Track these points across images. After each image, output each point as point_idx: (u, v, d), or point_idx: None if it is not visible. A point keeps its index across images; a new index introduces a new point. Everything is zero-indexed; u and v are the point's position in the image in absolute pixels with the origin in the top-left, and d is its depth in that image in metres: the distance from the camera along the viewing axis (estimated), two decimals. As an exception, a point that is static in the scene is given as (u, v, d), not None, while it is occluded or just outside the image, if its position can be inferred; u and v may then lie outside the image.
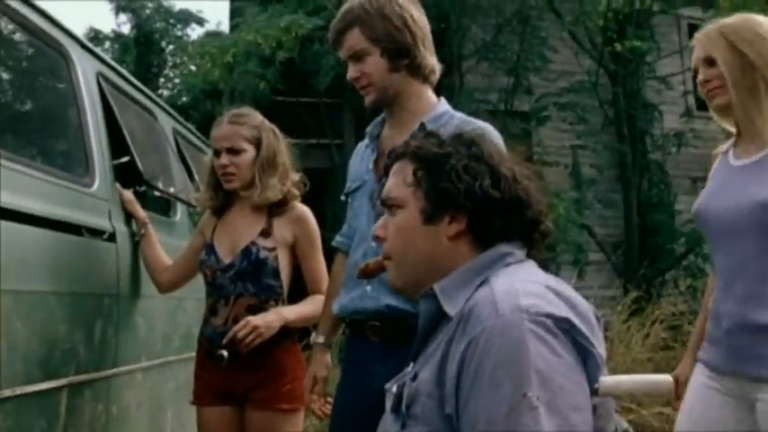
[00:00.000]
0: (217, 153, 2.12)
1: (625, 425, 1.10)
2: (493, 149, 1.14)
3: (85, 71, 2.09)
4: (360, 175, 1.77)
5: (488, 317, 0.96)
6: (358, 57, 1.67)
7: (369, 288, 1.62)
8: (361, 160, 1.80)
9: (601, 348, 1.01)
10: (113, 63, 2.38)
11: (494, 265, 1.08)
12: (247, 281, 2.06)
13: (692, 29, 10.41)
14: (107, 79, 2.25)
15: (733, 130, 1.69)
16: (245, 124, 2.14)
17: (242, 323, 1.99)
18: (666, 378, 1.08)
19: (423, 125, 1.59)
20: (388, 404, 1.07)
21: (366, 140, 1.81)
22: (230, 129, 2.12)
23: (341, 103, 9.07)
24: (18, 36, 1.90)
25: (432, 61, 1.71)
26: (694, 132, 9.40)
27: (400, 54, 1.65)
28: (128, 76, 2.51)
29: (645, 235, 9.23)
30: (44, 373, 1.64)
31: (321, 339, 1.84)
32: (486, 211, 1.08)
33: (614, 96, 9.32)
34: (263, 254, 2.07)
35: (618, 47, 8.35)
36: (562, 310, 0.98)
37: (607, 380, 1.00)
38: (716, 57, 1.61)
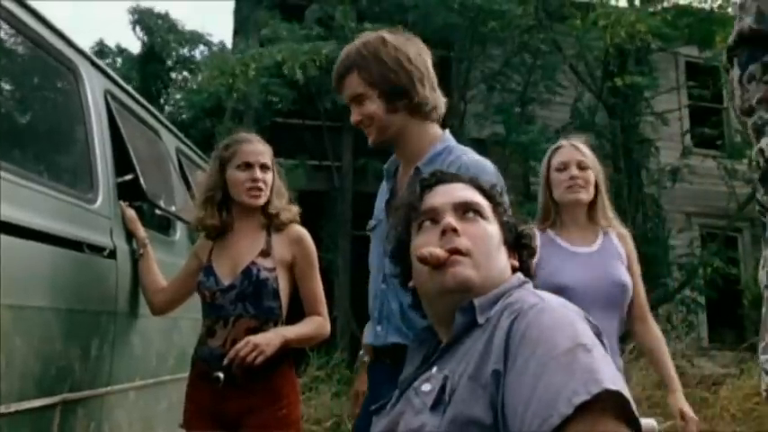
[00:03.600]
0: (248, 166, 2.11)
1: None
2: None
3: (94, 88, 2.11)
4: (377, 214, 1.82)
5: (534, 301, 1.01)
6: (358, 100, 1.72)
7: (379, 328, 1.70)
8: (380, 198, 1.85)
9: None
10: (121, 81, 2.40)
11: (519, 286, 1.15)
12: (248, 302, 2.04)
13: (690, 67, 10.56)
14: (114, 97, 2.27)
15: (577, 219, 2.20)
16: (269, 147, 2.20)
17: (242, 342, 1.95)
18: (650, 423, 1.06)
19: (417, 170, 1.64)
20: (422, 401, 1.04)
21: (384, 178, 1.85)
22: (263, 147, 2.17)
23: (341, 126, 9.13)
24: (29, 51, 1.91)
25: (434, 97, 1.74)
26: (690, 168, 9.48)
27: (398, 95, 1.69)
28: (134, 95, 2.53)
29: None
30: (39, 390, 1.63)
31: (366, 358, 1.89)
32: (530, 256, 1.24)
33: (612, 130, 9.40)
34: (263, 274, 2.06)
35: (618, 81, 8.44)
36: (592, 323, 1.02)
37: None
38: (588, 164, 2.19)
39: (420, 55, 1.74)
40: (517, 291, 1.11)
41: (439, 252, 1.11)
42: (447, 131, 1.80)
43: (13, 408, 1.52)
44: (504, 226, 1.21)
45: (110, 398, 2.03)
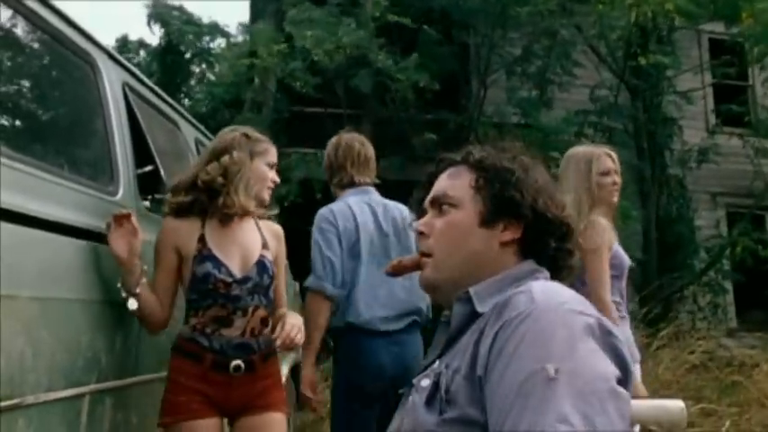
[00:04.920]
0: (271, 167, 2.21)
1: None
2: (543, 176, 1.21)
3: (112, 81, 2.12)
4: None
5: (525, 305, 0.98)
6: None
7: None
8: None
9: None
10: (139, 73, 2.41)
11: (525, 278, 1.11)
12: (261, 293, 2.10)
13: (714, 44, 10.36)
14: (133, 89, 2.28)
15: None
16: None
17: (289, 326, 2.05)
18: (678, 404, 1.02)
19: None
20: (420, 398, 1.05)
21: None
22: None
23: (361, 114, 9.10)
24: (46, 45, 1.92)
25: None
26: (715, 148, 9.32)
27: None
28: (153, 87, 2.54)
29: (663, 250, 9.14)
30: (66, 381, 1.65)
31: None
32: (542, 227, 1.15)
33: (634, 111, 9.27)
34: (271, 267, 2.15)
35: (642, 60, 8.29)
36: (601, 316, 0.99)
37: None
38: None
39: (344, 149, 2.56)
40: (525, 284, 1.07)
41: (406, 263, 1.28)
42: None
43: (42, 398, 1.54)
44: (491, 200, 1.16)
45: (137, 388, 2.05)
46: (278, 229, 2.26)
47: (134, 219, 1.87)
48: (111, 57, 2.16)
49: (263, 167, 2.16)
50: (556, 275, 1.17)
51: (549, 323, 0.93)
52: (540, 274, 1.13)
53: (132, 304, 1.90)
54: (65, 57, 1.99)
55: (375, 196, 2.73)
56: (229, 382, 2.02)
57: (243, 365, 2.02)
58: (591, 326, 0.94)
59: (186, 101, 13.35)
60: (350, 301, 2.56)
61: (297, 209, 6.46)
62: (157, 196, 2.34)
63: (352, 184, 2.70)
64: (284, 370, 3.14)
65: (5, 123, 1.83)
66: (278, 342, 2.03)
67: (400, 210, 2.71)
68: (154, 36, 14.14)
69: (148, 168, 2.24)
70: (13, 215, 1.48)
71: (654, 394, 4.72)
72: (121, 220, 1.86)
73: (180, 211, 2.08)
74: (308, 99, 8.99)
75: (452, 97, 9.02)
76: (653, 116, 9.40)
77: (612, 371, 0.91)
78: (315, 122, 9.26)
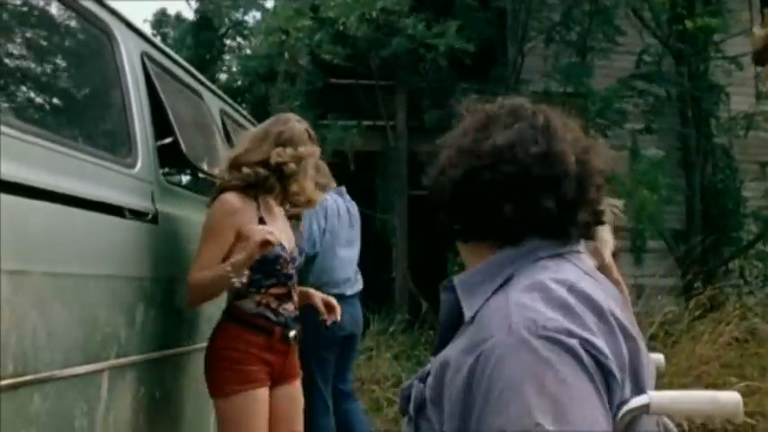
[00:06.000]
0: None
1: None
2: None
3: (130, 51, 2.07)
4: None
5: (499, 330, 0.88)
6: None
7: None
8: None
9: (618, 356, 0.90)
10: (159, 43, 2.35)
11: (521, 260, 0.99)
12: (296, 272, 2.31)
13: (766, 5, 9.87)
14: (152, 59, 2.23)
15: None
16: None
17: (333, 301, 2.44)
18: (733, 397, 0.92)
19: None
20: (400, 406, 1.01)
21: None
22: None
23: (394, 85, 8.97)
24: (62, 15, 1.88)
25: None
26: (765, 115, 8.94)
27: None
28: (174, 56, 2.48)
29: (708, 222, 8.86)
30: (84, 356, 1.63)
31: None
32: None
33: (679, 77, 8.92)
34: (299, 249, 2.39)
35: (688, 24, 7.94)
36: (584, 325, 0.88)
37: (660, 396, 0.87)
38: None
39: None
40: (516, 275, 0.96)
41: None
42: None
43: (58, 374, 1.52)
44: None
45: (159, 363, 2.03)
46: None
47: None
48: (128, 26, 2.11)
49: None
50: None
51: (529, 363, 0.84)
52: (543, 252, 0.99)
53: (239, 282, 2.04)
54: (80, 26, 1.94)
55: None
56: (287, 352, 2.22)
57: (296, 336, 2.23)
58: (573, 350, 0.85)
59: (223, 75, 13.36)
60: None
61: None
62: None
63: None
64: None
65: (19, 96, 1.79)
66: (331, 320, 2.43)
67: None
68: (190, 10, 14.09)
69: (168, 140, 2.19)
70: (25, 189, 1.44)
71: (692, 370, 4.58)
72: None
73: (249, 186, 2.13)
74: (340, 70, 8.89)
75: (488, 65, 8.81)
76: (698, 83, 9.03)
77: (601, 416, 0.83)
78: (348, 93, 9.17)
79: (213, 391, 2.11)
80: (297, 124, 2.22)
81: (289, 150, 2.14)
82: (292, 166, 2.13)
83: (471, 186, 0.99)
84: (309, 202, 2.27)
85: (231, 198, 2.10)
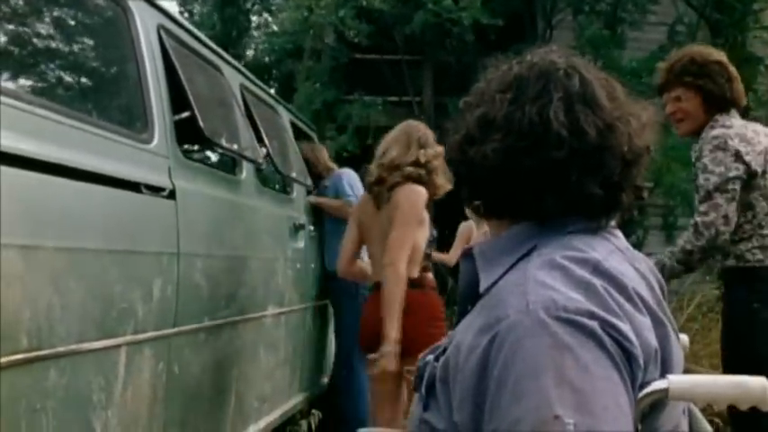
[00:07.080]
0: None
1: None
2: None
3: (146, 24, 2.04)
4: None
5: (516, 309, 0.82)
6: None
7: None
8: None
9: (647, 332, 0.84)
10: (176, 16, 2.32)
11: (547, 231, 0.92)
12: None
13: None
14: (169, 32, 2.19)
15: None
16: None
17: None
18: (761, 382, 0.87)
19: None
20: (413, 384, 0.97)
21: None
22: None
23: (421, 60, 8.86)
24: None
25: None
26: (806, 88, 8.66)
27: None
28: (191, 29, 2.45)
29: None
30: (100, 331, 1.63)
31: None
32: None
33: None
34: None
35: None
36: (607, 306, 0.82)
37: (680, 380, 0.81)
38: None
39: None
40: (539, 247, 0.90)
41: None
42: None
43: (73, 348, 1.52)
44: None
45: (178, 339, 2.03)
46: None
47: None
48: (144, -2, 2.08)
49: None
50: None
51: (548, 348, 0.78)
52: (573, 227, 0.92)
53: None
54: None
55: None
56: None
57: None
58: (595, 334, 0.79)
59: (250, 52, 13.32)
60: None
61: (353, 160, 6.35)
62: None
63: None
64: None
65: (33, 70, 1.77)
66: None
67: None
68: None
69: (185, 115, 2.16)
70: (40, 164, 1.43)
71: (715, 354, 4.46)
72: None
73: (420, 181, 2.55)
74: (366, 46, 8.80)
75: (515, 40, 8.63)
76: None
77: (625, 421, 0.77)
78: (374, 69, 9.08)
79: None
80: (425, 129, 2.64)
81: (429, 151, 2.55)
82: (435, 162, 2.52)
83: (506, 168, 0.92)
84: (443, 191, 2.61)
85: (421, 190, 2.52)
